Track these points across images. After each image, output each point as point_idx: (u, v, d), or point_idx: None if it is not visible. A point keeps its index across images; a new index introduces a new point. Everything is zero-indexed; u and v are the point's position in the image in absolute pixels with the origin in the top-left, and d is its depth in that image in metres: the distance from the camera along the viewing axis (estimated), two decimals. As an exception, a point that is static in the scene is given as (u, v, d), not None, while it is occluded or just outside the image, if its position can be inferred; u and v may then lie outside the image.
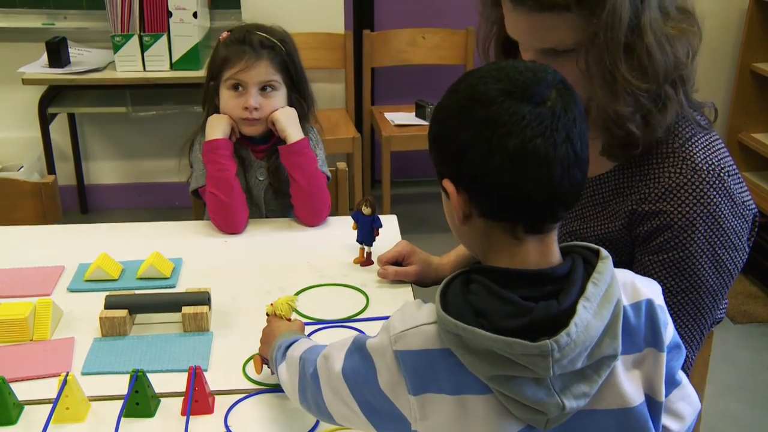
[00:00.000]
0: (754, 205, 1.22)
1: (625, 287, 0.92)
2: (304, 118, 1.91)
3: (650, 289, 0.94)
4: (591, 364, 0.86)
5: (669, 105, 1.17)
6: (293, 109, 1.87)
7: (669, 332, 0.95)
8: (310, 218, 1.87)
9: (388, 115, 3.55)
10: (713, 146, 1.21)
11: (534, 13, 1.13)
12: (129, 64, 3.09)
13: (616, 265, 0.99)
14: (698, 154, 1.18)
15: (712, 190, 1.16)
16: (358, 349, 0.97)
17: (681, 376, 1.01)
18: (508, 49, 1.28)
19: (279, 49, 1.83)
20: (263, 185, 1.91)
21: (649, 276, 1.17)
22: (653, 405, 0.93)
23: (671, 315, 1.16)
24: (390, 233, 1.77)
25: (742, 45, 3.64)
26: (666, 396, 0.96)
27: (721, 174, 1.17)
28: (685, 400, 1.01)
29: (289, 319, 1.27)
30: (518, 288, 0.86)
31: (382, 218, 1.68)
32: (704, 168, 1.17)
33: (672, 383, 0.99)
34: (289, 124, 1.84)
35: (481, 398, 0.87)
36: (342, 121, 3.55)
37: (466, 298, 0.87)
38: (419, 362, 0.89)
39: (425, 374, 0.89)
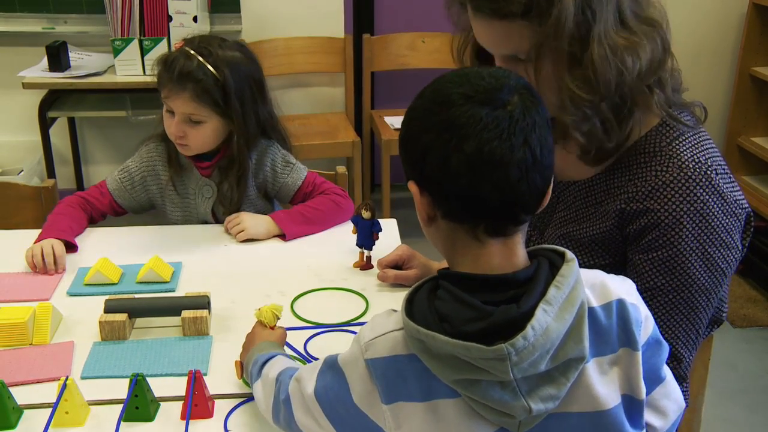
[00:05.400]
0: (746, 204, 1.22)
1: (595, 288, 0.93)
2: (251, 141, 1.83)
3: (622, 289, 0.94)
4: (557, 367, 0.86)
5: (635, 109, 1.19)
6: (248, 220, 1.81)
7: (646, 329, 0.95)
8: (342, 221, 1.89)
9: (388, 119, 3.55)
10: (701, 145, 1.21)
11: (492, 20, 1.16)
12: (129, 68, 3.09)
13: (610, 266, 1.00)
14: (685, 153, 1.19)
15: (699, 187, 1.16)
16: (330, 368, 0.98)
17: (666, 372, 1.01)
18: (482, 56, 1.30)
19: (207, 80, 1.73)
20: (210, 202, 1.90)
21: (640, 275, 1.19)
22: (634, 404, 0.93)
23: (664, 315, 1.17)
24: (390, 237, 1.77)
25: (741, 49, 3.65)
26: (649, 393, 0.96)
27: (709, 171, 1.17)
28: (669, 397, 1.01)
29: (273, 327, 1.27)
30: (481, 292, 0.86)
31: (382, 222, 1.68)
32: (691, 166, 1.17)
33: (656, 380, 0.99)
34: (265, 232, 1.82)
35: (451, 402, 0.88)
36: (342, 125, 3.55)
37: (432, 304, 0.88)
38: (388, 368, 0.90)
39: (395, 381, 0.90)
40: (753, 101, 3.69)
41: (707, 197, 1.16)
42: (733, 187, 1.20)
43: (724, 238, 1.18)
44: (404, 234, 1.85)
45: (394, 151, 3.38)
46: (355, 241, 1.68)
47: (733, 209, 1.19)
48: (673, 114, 1.22)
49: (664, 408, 1.01)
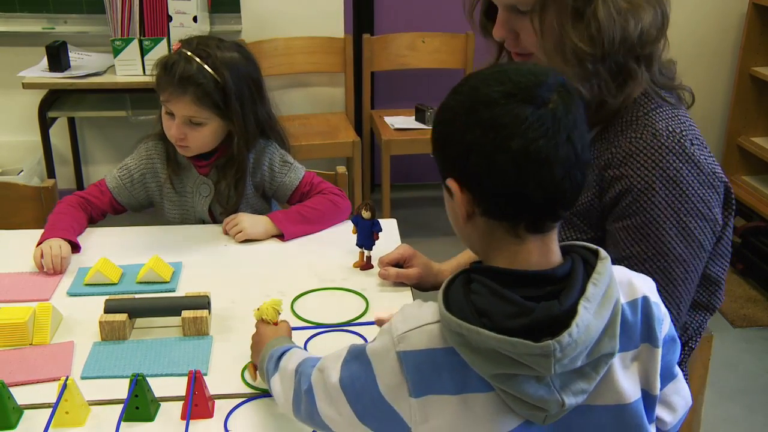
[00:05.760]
0: (724, 176, 1.23)
1: (622, 285, 0.94)
2: (250, 142, 1.84)
3: (646, 286, 0.96)
4: (590, 362, 0.88)
5: (630, 81, 1.21)
6: (246, 220, 1.82)
7: (665, 327, 0.97)
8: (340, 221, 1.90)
9: (388, 119, 3.56)
10: (678, 118, 1.23)
11: None
12: (129, 68, 3.09)
13: (592, 241, 1.01)
14: (660, 122, 1.21)
15: (671, 154, 1.18)
16: (355, 357, 0.97)
17: (677, 369, 1.03)
18: (492, 14, 1.33)
19: (208, 83, 1.74)
20: (207, 201, 1.91)
21: (616, 244, 1.21)
22: (648, 398, 0.95)
23: None
24: (390, 237, 1.77)
25: (741, 49, 3.65)
26: (662, 388, 0.98)
27: (682, 140, 1.19)
28: (679, 393, 1.03)
29: (276, 323, 1.27)
30: (519, 288, 0.87)
31: (382, 222, 1.68)
32: (664, 134, 1.19)
33: (669, 376, 1.01)
34: (263, 232, 1.82)
35: (483, 396, 0.89)
36: (342, 125, 3.55)
37: (468, 298, 0.88)
38: (423, 362, 0.90)
39: (429, 374, 0.90)
40: (753, 101, 3.69)
41: (680, 165, 1.18)
42: (711, 160, 1.21)
43: (700, 207, 1.19)
44: (404, 234, 1.85)
45: (394, 151, 3.38)
46: (355, 241, 1.68)
47: (711, 180, 1.20)
48: (655, 89, 1.24)
49: (674, 404, 1.03)
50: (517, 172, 0.85)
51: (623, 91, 1.22)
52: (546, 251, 0.91)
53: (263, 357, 1.19)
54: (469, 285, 0.90)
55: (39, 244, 1.69)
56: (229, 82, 1.75)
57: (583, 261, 0.91)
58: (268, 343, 1.20)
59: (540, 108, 0.85)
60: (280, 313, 1.28)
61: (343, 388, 0.97)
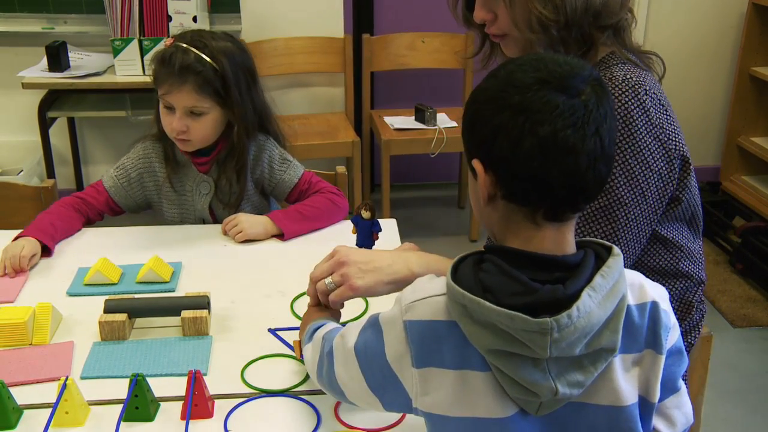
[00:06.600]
0: (682, 147, 1.27)
1: (633, 287, 0.94)
2: (250, 131, 1.85)
3: (657, 293, 0.96)
4: (588, 354, 0.88)
5: (592, 49, 1.28)
6: (245, 220, 1.81)
7: (672, 337, 0.96)
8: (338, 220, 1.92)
9: (388, 119, 3.55)
10: (637, 72, 1.27)
11: None
12: (129, 68, 3.09)
13: None
14: (618, 73, 1.26)
15: (624, 96, 1.22)
16: (371, 325, 1.00)
17: (681, 384, 1.02)
18: (471, 5, 1.38)
19: (207, 71, 1.75)
20: (207, 199, 1.91)
21: None
22: (646, 406, 0.95)
23: (582, 221, 1.24)
24: (389, 237, 1.77)
25: (740, 49, 3.65)
26: (662, 399, 0.98)
27: (637, 87, 1.23)
28: (681, 408, 1.02)
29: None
30: (528, 269, 0.88)
31: (382, 222, 1.68)
32: (620, 79, 1.24)
33: (672, 389, 1.00)
34: (263, 231, 1.82)
35: (481, 375, 0.90)
36: (341, 125, 3.55)
37: (477, 275, 0.89)
38: (426, 332, 0.92)
39: (430, 346, 0.91)
40: (753, 101, 3.69)
41: (632, 107, 1.22)
42: (666, 119, 1.24)
43: (646, 156, 1.22)
44: (404, 234, 1.85)
45: (394, 151, 3.38)
46: (355, 241, 1.68)
47: (658, 134, 1.23)
48: (623, 51, 1.29)
49: (674, 418, 1.02)
50: (542, 159, 0.86)
51: (588, 58, 1.27)
52: (561, 240, 0.92)
53: (304, 334, 1.21)
54: (480, 264, 0.91)
55: (15, 239, 1.69)
56: (228, 69, 1.77)
57: (595, 255, 0.92)
58: (310, 322, 1.22)
59: (573, 98, 0.87)
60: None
61: (356, 353, 1.00)
